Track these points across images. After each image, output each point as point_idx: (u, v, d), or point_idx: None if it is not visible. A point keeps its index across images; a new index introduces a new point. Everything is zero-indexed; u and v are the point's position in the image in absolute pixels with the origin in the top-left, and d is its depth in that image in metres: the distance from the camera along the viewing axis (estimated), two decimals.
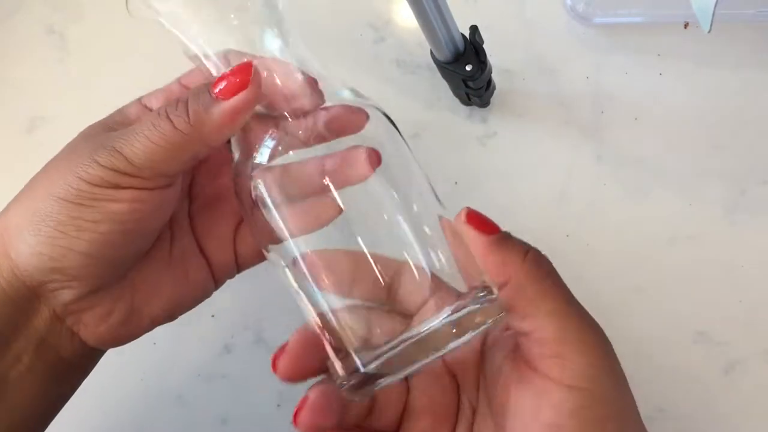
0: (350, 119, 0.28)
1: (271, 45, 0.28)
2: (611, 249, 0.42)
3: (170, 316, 0.32)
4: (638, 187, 0.43)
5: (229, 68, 0.27)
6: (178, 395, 0.44)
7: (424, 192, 0.28)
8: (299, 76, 0.28)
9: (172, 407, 0.44)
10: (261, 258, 0.33)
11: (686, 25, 0.44)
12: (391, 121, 0.29)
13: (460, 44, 0.40)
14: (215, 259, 0.33)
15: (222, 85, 0.26)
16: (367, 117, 0.28)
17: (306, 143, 0.27)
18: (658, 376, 0.40)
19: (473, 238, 0.25)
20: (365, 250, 0.26)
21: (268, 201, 0.26)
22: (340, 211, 0.26)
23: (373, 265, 0.25)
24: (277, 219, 0.26)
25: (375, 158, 0.27)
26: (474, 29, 0.41)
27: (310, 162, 0.27)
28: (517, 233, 0.46)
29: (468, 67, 0.40)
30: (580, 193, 0.43)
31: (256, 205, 0.27)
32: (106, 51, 0.51)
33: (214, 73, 0.28)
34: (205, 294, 0.33)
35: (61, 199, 0.27)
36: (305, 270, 0.26)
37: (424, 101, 0.46)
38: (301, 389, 0.45)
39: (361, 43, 0.48)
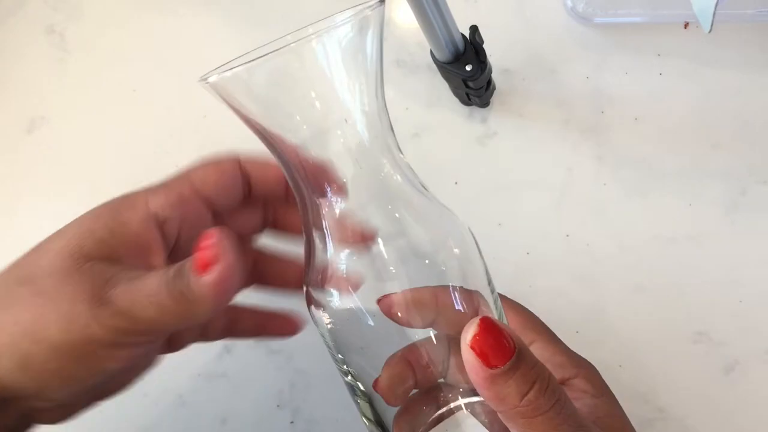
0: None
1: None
2: (611, 249, 0.42)
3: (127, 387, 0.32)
4: (638, 187, 0.43)
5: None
6: (178, 395, 0.44)
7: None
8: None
9: (172, 407, 0.44)
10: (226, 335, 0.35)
11: (686, 25, 0.44)
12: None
13: (460, 44, 0.40)
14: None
15: (197, 262, 0.26)
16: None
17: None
18: (658, 376, 0.40)
19: (471, 366, 0.23)
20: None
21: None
22: None
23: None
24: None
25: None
26: (474, 29, 0.41)
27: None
28: (517, 233, 0.46)
29: (468, 67, 0.40)
30: (580, 193, 0.43)
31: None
32: (106, 51, 0.51)
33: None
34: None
35: (52, 347, 0.26)
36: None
37: (424, 101, 0.46)
38: (301, 391, 0.45)
39: None
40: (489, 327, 0.23)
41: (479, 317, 0.24)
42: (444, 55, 0.40)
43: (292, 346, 0.43)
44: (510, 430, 0.24)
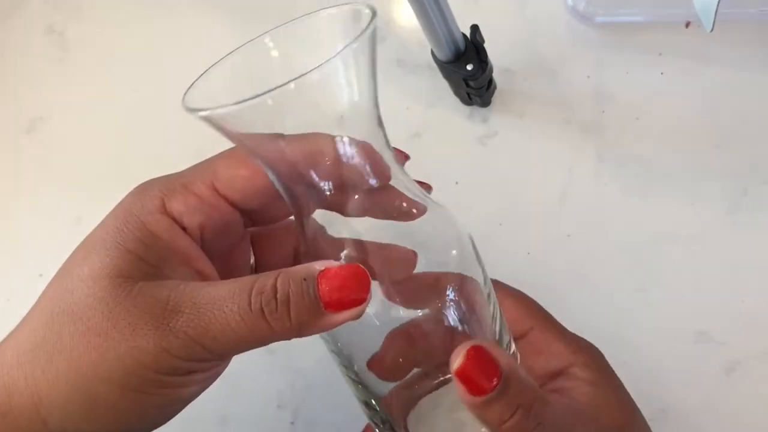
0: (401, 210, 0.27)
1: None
2: (611, 249, 0.42)
3: None
4: (639, 187, 0.42)
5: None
6: None
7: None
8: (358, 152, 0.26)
9: None
10: None
11: (687, 25, 0.44)
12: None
13: (461, 43, 0.40)
14: None
15: (332, 294, 0.23)
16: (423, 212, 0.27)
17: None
18: (658, 377, 0.40)
19: (458, 390, 0.25)
20: None
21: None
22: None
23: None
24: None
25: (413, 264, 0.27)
26: (475, 28, 0.40)
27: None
28: (517, 233, 0.45)
29: (469, 67, 0.40)
30: (581, 192, 0.43)
31: None
32: (106, 51, 0.51)
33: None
34: None
35: (120, 387, 0.23)
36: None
37: (425, 101, 0.46)
38: (301, 391, 0.45)
39: None
40: (477, 355, 0.25)
41: (469, 344, 0.25)
42: (445, 55, 0.40)
43: (292, 346, 0.43)
44: None
